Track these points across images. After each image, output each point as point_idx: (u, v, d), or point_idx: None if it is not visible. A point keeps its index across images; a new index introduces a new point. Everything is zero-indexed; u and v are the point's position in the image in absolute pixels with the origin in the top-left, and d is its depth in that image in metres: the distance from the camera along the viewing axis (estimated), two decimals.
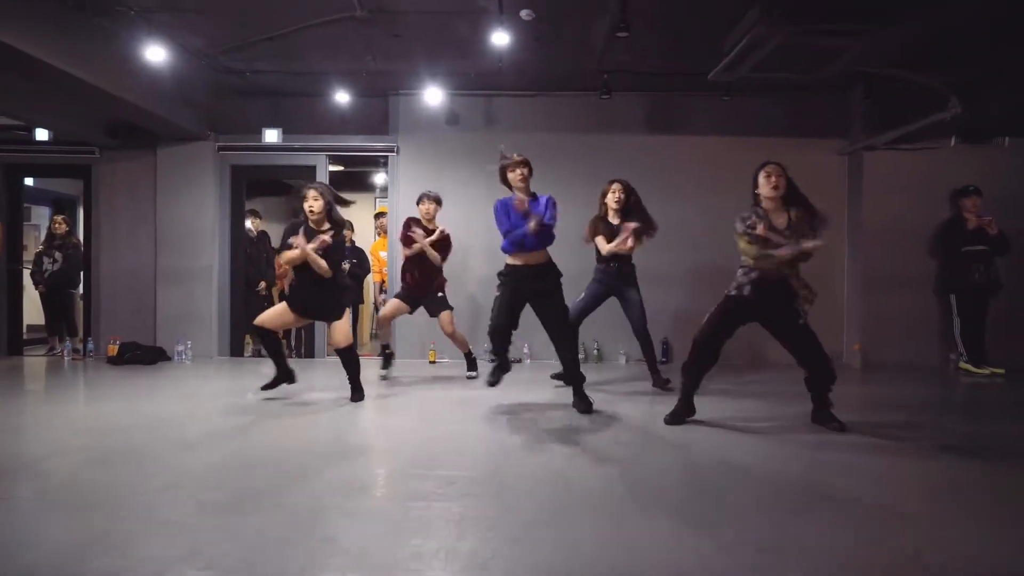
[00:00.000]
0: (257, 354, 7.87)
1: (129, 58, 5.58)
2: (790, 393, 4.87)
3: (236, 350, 7.61)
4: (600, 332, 6.95)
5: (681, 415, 4.19)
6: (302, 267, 4.64)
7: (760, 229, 3.87)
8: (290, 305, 4.79)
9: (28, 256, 8.43)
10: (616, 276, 5.46)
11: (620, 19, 4.75)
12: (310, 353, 7.65)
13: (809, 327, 4.11)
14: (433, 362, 6.98)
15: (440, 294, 5.90)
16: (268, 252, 8.05)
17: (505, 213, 4.40)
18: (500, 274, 4.52)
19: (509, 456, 3.49)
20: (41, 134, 7.33)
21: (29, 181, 9.10)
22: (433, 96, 6.87)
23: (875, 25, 4.29)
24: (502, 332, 4.46)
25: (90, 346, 7.36)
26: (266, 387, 4.88)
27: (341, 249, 4.85)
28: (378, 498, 2.90)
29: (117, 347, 6.95)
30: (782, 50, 4.75)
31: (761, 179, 4.05)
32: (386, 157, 7.49)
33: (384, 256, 7.93)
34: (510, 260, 4.46)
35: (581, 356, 7.11)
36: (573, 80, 6.83)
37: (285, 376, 4.90)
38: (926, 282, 6.93)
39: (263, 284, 7.79)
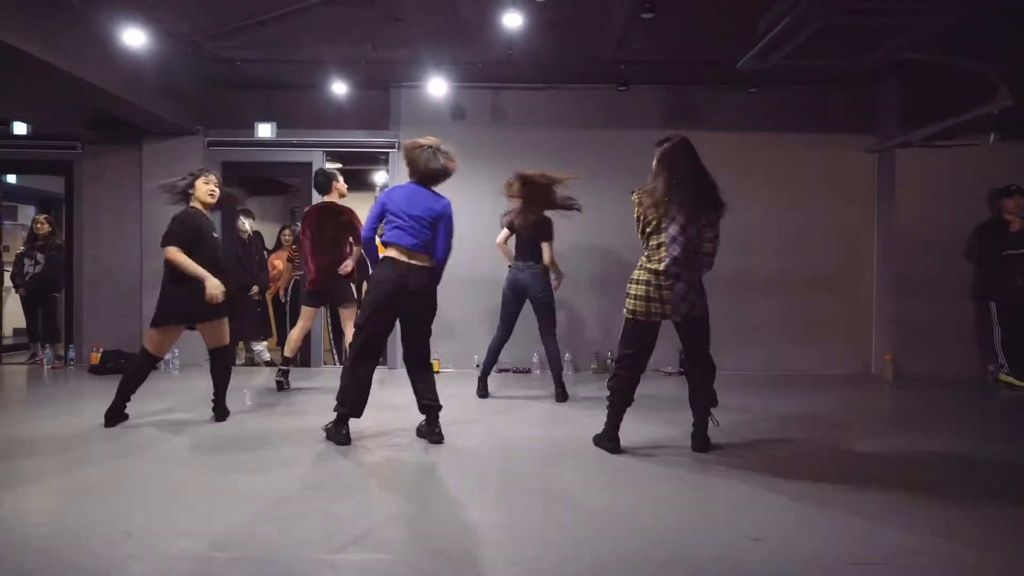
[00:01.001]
0: (249, 363, 7.45)
1: (108, 43, 5.13)
2: None
3: None
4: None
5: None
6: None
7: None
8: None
9: (9, 257, 7.99)
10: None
11: (645, 0, 4.30)
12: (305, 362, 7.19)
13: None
14: (436, 372, 6.53)
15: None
16: (261, 255, 7.62)
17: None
18: None
19: None
20: (19, 128, 6.89)
21: (12, 179, 8.68)
22: (437, 87, 6.41)
23: (933, 2, 3.84)
24: None
25: (71, 354, 6.91)
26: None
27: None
28: None
29: (100, 355, 6.51)
30: (824, 34, 4.31)
31: None
32: (387, 153, 7.05)
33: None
34: None
35: (594, 366, 6.78)
36: (587, 71, 6.39)
37: None
38: (963, 288, 6.52)
39: (256, 289, 7.34)
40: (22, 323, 7.89)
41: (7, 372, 6.73)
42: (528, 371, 6.72)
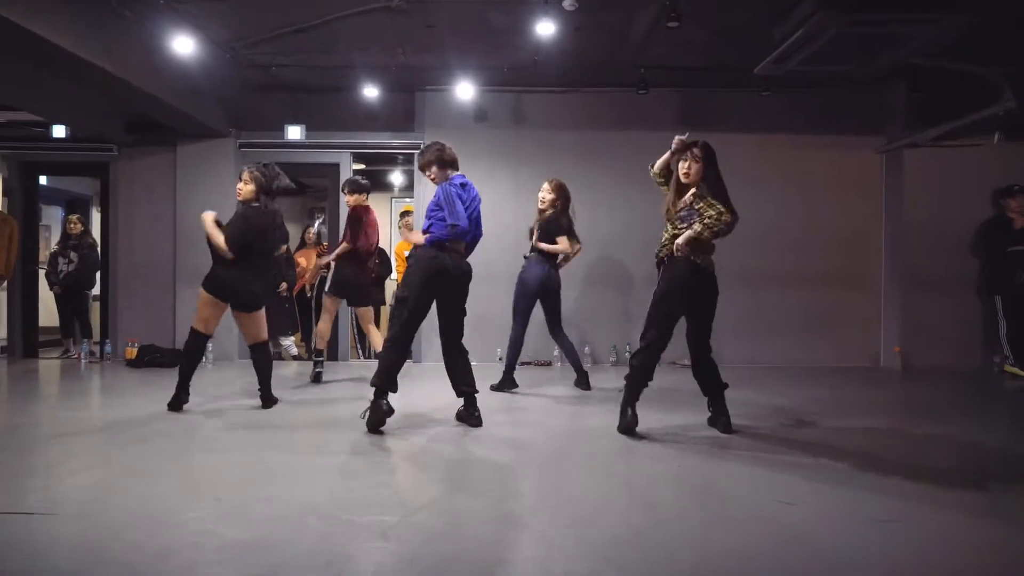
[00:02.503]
0: (277, 357, 7.68)
1: (153, 50, 5.39)
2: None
3: None
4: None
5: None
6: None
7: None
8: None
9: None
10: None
11: (671, 9, 4.56)
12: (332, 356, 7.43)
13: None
14: None
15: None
16: (288, 252, 7.86)
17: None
18: None
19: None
20: (58, 131, 7.15)
21: (42, 180, 8.92)
22: (464, 91, 6.67)
23: (943, 12, 4.09)
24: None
25: (107, 348, 7.16)
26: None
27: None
28: None
29: (136, 349, 6.76)
30: (837, 41, 4.56)
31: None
32: (411, 155, 7.30)
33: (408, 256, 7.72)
34: None
35: (612, 359, 7.03)
36: (608, 75, 6.64)
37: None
38: (968, 283, 6.77)
39: (284, 285, 7.59)
40: (47, 321, 8.12)
41: (46, 367, 6.97)
42: (548, 364, 6.96)
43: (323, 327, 5.78)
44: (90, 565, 2.13)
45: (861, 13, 4.28)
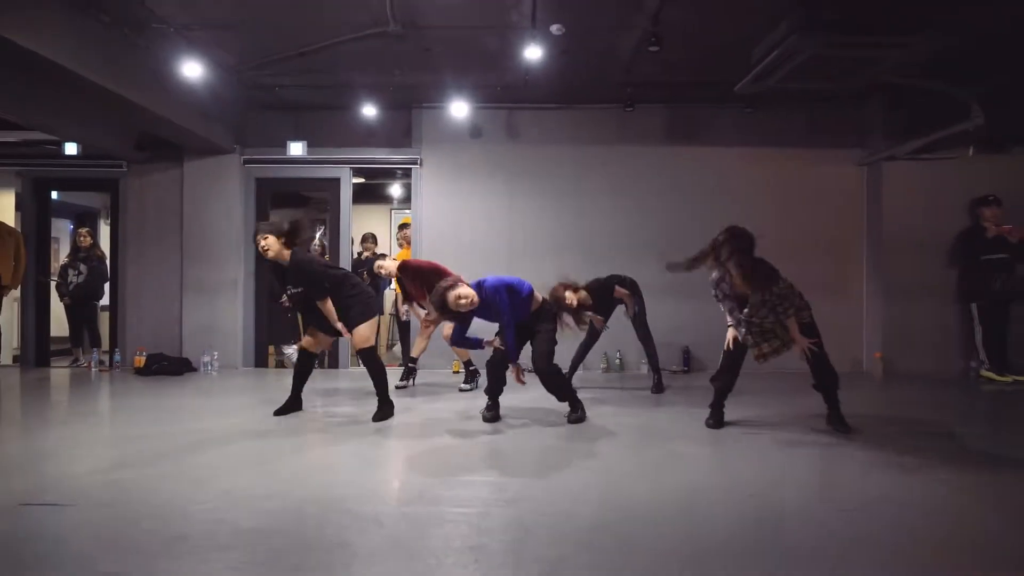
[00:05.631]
0: (280, 365, 7.94)
1: (164, 74, 5.69)
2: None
3: (260, 361, 7.67)
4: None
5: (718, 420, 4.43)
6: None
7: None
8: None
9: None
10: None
11: (651, 34, 4.83)
12: (334, 363, 7.70)
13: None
14: (457, 372, 7.03)
15: None
16: None
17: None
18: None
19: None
20: (70, 148, 7.44)
21: (53, 195, 9.20)
22: (459, 109, 6.96)
23: (911, 37, 4.36)
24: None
25: (116, 357, 7.42)
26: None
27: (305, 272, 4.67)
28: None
29: (144, 358, 7.01)
30: (814, 60, 4.82)
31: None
32: (409, 169, 7.58)
33: None
34: None
35: (603, 366, 7.28)
36: (596, 92, 6.92)
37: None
38: (946, 291, 7.00)
39: (285, 297, 7.83)
40: (59, 330, 8.38)
41: (58, 375, 7.22)
42: None
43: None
44: (108, 550, 2.38)
45: (832, 36, 4.54)
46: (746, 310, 4.16)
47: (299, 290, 4.64)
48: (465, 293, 4.32)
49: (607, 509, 2.85)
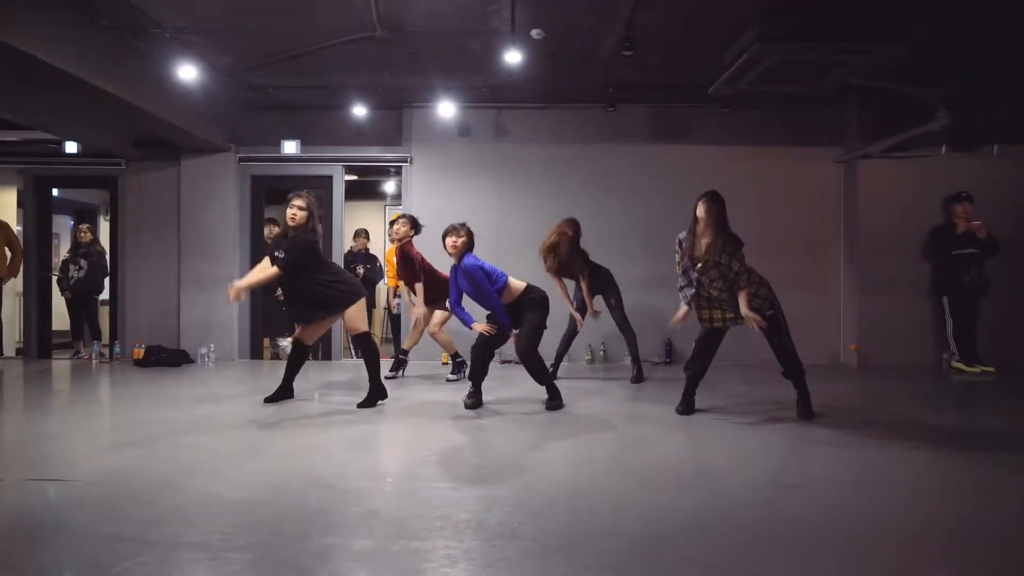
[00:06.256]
0: (275, 357, 8.17)
1: (161, 76, 5.92)
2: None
3: (256, 353, 7.91)
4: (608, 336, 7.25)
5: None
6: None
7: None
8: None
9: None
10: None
11: (625, 39, 5.05)
12: (327, 355, 7.93)
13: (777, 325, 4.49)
14: (446, 363, 7.25)
15: None
16: None
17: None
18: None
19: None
20: (70, 147, 7.67)
21: (54, 192, 9.43)
22: (446, 109, 7.19)
23: (872, 44, 4.58)
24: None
25: (116, 349, 7.66)
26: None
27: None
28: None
29: (143, 350, 7.25)
30: (780, 66, 5.04)
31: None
32: (400, 167, 7.80)
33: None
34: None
35: (587, 358, 7.53)
36: (579, 93, 7.15)
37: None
38: (920, 285, 7.23)
39: (280, 290, 8.06)
40: (60, 324, 8.62)
41: (60, 367, 7.46)
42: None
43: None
44: (108, 519, 2.62)
45: (796, 43, 4.76)
46: (698, 265, 4.38)
47: (281, 255, 4.58)
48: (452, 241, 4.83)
49: (565, 485, 3.09)
